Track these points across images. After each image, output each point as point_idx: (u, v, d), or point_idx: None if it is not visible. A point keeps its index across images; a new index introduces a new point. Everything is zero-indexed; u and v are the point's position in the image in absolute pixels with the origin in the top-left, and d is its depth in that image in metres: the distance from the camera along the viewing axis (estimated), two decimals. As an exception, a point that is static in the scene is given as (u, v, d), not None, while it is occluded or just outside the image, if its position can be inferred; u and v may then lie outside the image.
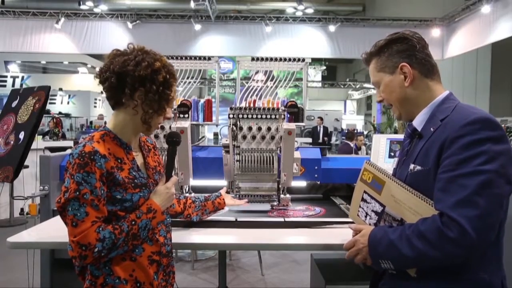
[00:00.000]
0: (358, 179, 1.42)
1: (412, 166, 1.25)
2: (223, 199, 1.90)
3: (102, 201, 1.22)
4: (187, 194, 2.26)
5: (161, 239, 1.37)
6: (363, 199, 1.38)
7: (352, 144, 8.29)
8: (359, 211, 1.40)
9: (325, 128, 12.75)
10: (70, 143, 6.96)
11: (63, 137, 8.51)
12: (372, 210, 1.34)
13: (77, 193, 1.18)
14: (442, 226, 1.07)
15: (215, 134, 5.38)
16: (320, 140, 11.77)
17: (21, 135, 2.18)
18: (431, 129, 1.23)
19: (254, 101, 2.29)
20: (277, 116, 2.15)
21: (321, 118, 13.03)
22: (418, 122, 1.30)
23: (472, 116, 1.13)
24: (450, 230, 1.05)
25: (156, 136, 2.22)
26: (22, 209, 5.96)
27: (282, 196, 2.22)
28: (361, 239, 1.28)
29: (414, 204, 1.19)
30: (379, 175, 1.32)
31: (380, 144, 2.42)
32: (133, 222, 1.25)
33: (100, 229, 1.20)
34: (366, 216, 1.36)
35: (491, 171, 1.07)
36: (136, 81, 1.27)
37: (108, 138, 1.31)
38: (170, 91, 1.34)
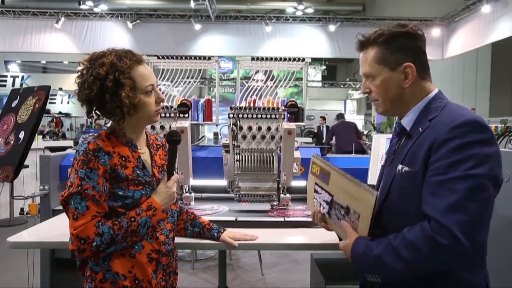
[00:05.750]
0: (309, 172, 1.46)
1: (400, 166, 1.22)
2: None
3: (103, 197, 1.26)
4: (186, 194, 2.26)
5: (162, 237, 1.37)
6: (315, 191, 1.42)
7: (352, 144, 8.25)
8: (314, 202, 1.45)
9: (328, 128, 12.36)
10: (70, 143, 6.96)
11: (63, 137, 8.52)
12: (324, 200, 1.37)
13: (80, 188, 1.22)
14: (432, 233, 1.04)
15: (215, 134, 5.37)
16: (324, 141, 10.88)
17: (21, 135, 2.18)
18: (420, 129, 1.20)
19: (254, 100, 2.29)
20: (277, 116, 2.15)
21: (324, 118, 12.43)
22: (407, 121, 1.27)
23: (460, 119, 1.11)
24: (442, 237, 1.02)
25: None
26: (22, 209, 5.96)
27: (282, 196, 2.22)
28: (344, 249, 1.25)
29: (353, 189, 1.23)
30: (324, 166, 1.37)
31: (380, 144, 2.42)
32: (132, 219, 1.27)
33: (100, 223, 1.22)
34: (320, 206, 1.40)
35: (480, 175, 1.05)
36: (99, 100, 1.29)
37: (113, 136, 1.34)
38: (123, 90, 1.26)
